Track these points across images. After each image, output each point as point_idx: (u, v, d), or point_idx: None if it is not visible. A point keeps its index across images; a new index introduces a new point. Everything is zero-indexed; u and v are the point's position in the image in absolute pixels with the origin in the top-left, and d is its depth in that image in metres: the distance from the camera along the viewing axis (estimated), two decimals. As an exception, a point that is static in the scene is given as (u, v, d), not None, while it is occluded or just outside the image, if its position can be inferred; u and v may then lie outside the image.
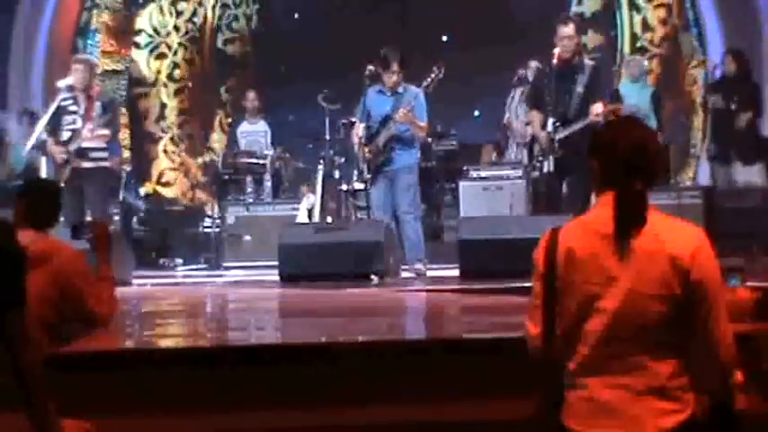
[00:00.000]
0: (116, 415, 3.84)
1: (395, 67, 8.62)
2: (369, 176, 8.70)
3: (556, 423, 2.73)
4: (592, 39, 12.65)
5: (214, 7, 13.57)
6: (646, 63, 11.53)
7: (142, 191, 12.55)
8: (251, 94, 11.27)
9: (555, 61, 7.89)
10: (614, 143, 2.77)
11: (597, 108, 7.72)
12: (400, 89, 8.70)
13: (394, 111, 8.62)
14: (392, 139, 8.63)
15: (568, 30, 7.92)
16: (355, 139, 8.83)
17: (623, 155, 2.73)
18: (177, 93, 13.54)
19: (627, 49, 12.63)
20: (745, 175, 10.07)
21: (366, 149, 8.64)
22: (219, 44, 13.61)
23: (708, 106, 10.56)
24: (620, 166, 2.72)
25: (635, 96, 10.12)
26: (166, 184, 13.43)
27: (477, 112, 12.74)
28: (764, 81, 11.19)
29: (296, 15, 13.45)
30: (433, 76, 8.64)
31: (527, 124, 9.83)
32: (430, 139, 10.70)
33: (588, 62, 8.13)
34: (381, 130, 8.66)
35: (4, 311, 2.96)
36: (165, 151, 13.49)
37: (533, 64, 10.18)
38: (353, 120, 9.11)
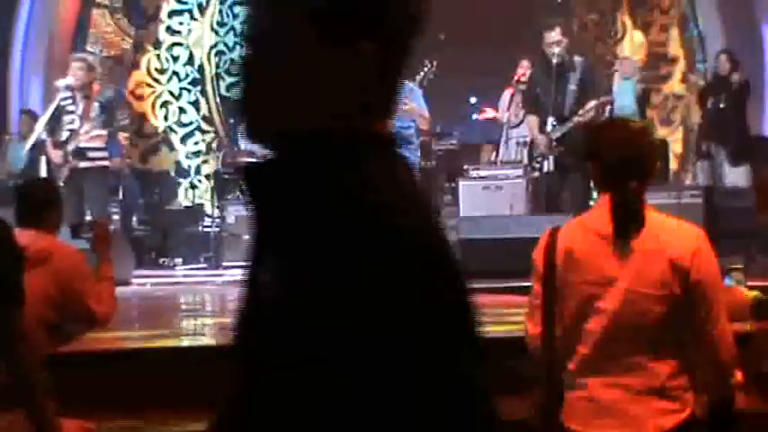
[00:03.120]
0: (116, 415, 3.84)
1: None
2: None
3: (555, 423, 2.73)
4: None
5: (209, 55, 13.52)
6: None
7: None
8: None
9: (552, 62, 7.90)
10: (608, 144, 2.78)
11: (591, 103, 7.77)
12: None
13: None
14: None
15: (554, 35, 7.93)
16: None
17: (616, 156, 2.73)
18: (186, 138, 13.44)
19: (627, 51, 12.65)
20: (733, 175, 10.07)
21: None
22: (223, 91, 13.53)
23: (706, 106, 10.57)
24: (614, 167, 2.73)
25: (626, 94, 10.15)
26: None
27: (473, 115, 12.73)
28: (764, 82, 11.19)
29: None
30: (425, 70, 8.64)
31: (519, 124, 9.85)
32: (427, 138, 10.70)
33: (579, 60, 8.15)
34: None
35: (1, 311, 2.96)
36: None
37: (525, 63, 10.20)
38: None
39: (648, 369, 2.66)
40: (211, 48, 13.46)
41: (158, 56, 13.32)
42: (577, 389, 2.72)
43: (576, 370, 2.72)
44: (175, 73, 13.41)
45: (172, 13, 13.33)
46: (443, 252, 1.24)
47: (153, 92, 13.29)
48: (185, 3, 13.39)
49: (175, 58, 13.40)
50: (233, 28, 13.51)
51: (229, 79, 13.29)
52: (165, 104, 13.32)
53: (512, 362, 3.32)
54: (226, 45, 13.48)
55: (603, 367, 2.68)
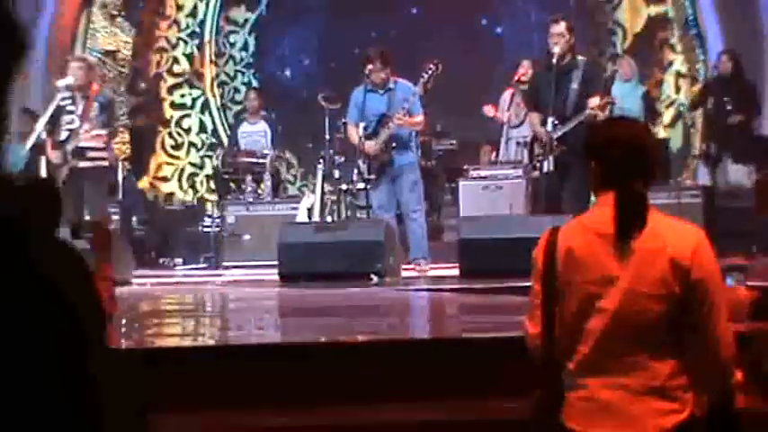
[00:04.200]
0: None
1: (378, 64, 8.62)
2: (369, 176, 8.69)
3: (555, 423, 2.73)
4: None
5: (210, 41, 13.61)
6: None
7: (139, 185, 12.63)
8: (252, 94, 11.32)
9: (554, 61, 7.91)
10: (611, 143, 2.78)
11: (593, 102, 7.77)
12: (391, 85, 8.67)
13: (389, 109, 8.61)
14: (391, 138, 8.62)
15: (559, 28, 7.95)
16: (355, 139, 8.80)
17: (621, 155, 2.73)
18: (175, 87, 13.57)
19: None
20: (736, 175, 10.07)
21: (369, 145, 8.60)
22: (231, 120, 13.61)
23: (706, 106, 10.57)
24: (618, 167, 2.72)
25: (626, 97, 10.13)
26: (163, 179, 13.43)
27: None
28: (765, 82, 11.18)
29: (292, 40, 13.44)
30: (429, 73, 8.62)
31: (520, 124, 9.87)
32: (427, 138, 10.71)
33: (582, 59, 8.16)
34: (380, 130, 8.64)
35: None
36: (163, 146, 13.52)
37: (525, 63, 10.21)
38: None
39: (648, 369, 2.66)
40: (213, 79, 13.57)
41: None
42: (577, 389, 2.71)
43: (575, 370, 2.72)
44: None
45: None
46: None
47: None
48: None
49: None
50: (231, 57, 13.62)
51: (235, 108, 13.39)
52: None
53: (512, 362, 3.33)
54: (227, 75, 13.61)
55: (604, 367, 2.68)
